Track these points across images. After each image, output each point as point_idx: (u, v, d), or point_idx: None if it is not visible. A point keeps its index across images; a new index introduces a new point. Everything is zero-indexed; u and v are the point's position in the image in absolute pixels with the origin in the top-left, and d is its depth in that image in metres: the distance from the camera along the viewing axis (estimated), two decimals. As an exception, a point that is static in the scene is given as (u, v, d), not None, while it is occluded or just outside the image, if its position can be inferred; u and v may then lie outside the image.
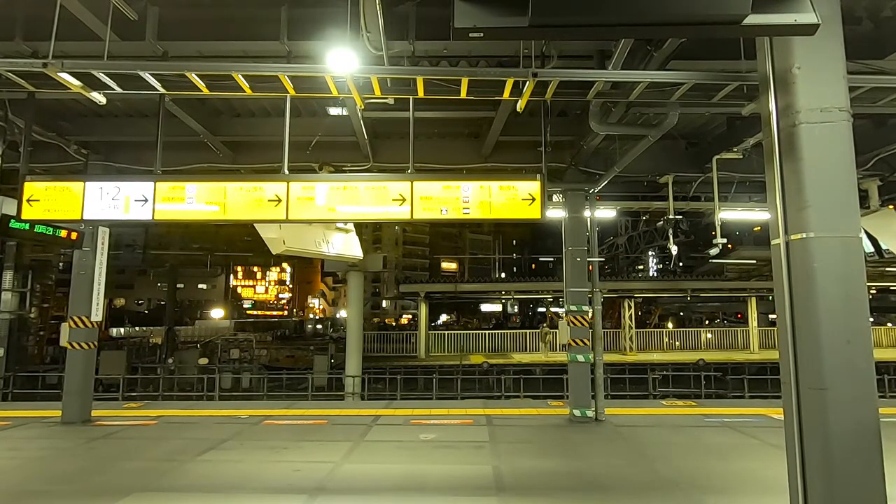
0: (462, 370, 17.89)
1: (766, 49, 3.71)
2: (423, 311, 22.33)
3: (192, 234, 36.38)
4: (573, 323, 9.08)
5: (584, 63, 6.26)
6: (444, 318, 42.78)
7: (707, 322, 32.28)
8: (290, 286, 65.03)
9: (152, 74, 4.90)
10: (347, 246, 9.54)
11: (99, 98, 5.28)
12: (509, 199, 5.31)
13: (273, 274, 63.68)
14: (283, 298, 64.46)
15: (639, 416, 9.18)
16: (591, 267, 9.24)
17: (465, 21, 2.89)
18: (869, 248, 9.08)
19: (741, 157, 8.10)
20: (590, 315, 9.13)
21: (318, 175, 7.70)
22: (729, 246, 22.55)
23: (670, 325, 29.56)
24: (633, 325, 23.27)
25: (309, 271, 62.39)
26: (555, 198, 9.62)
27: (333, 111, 8.33)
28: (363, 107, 6.29)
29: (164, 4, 5.76)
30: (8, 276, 16.51)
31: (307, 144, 8.11)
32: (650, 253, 36.16)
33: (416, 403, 11.49)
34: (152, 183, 5.40)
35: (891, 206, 9.71)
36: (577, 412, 8.80)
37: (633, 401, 13.08)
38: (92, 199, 5.39)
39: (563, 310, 13.11)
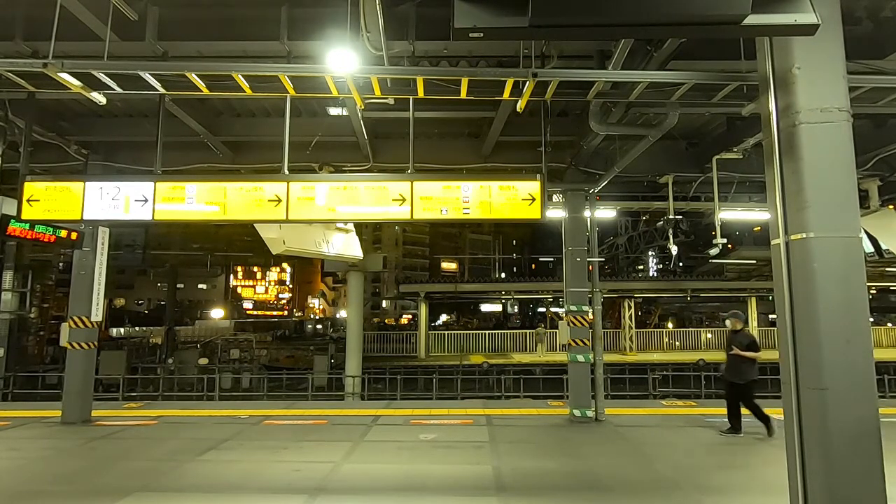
0: (462, 370, 17.89)
1: (766, 49, 3.71)
2: (423, 311, 22.34)
3: (192, 234, 36.38)
4: (573, 323, 9.07)
5: (584, 63, 6.26)
6: (444, 318, 42.79)
7: (707, 322, 32.28)
8: (290, 286, 65.03)
9: (152, 74, 4.90)
10: (347, 246, 9.55)
11: (99, 98, 5.28)
12: (509, 199, 5.31)
13: (273, 274, 63.68)
14: (283, 298, 64.45)
15: (639, 416, 9.17)
16: (591, 267, 9.23)
17: (465, 21, 2.90)
18: (869, 248, 9.08)
19: (741, 157, 8.10)
20: (590, 315, 9.13)
21: (318, 175, 7.71)
22: (729, 246, 22.56)
23: (670, 325, 29.56)
24: (633, 325, 23.28)
25: (309, 271, 62.39)
26: (555, 198, 9.62)
27: (333, 111, 8.33)
28: (363, 107, 6.29)
29: (164, 4, 5.76)
30: (8, 276, 16.50)
31: (307, 144, 8.11)
32: (650, 253, 36.20)
33: (416, 403, 11.49)
34: (152, 183, 5.40)
35: (891, 206, 9.71)
36: (577, 412, 8.80)
37: (633, 401, 13.07)
38: (92, 200, 5.40)
39: (563, 310, 13.11)
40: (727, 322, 8.00)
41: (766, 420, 7.38)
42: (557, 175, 9.44)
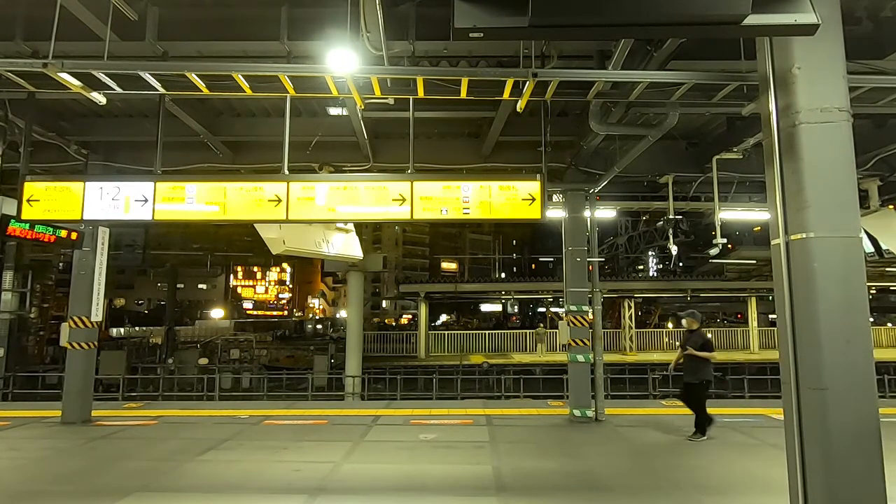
0: (462, 370, 17.89)
1: (766, 49, 3.71)
2: (423, 311, 22.34)
3: (192, 234, 36.35)
4: (573, 323, 9.07)
5: (584, 63, 6.26)
6: (444, 318, 42.79)
7: (707, 322, 32.26)
8: (290, 286, 65.03)
9: (152, 74, 4.90)
10: (347, 246, 9.54)
11: (99, 98, 5.28)
12: (509, 199, 5.31)
13: (273, 274, 63.68)
14: (283, 298, 64.45)
15: (639, 416, 9.17)
16: (591, 267, 9.23)
17: (465, 21, 2.90)
18: (869, 248, 9.07)
19: (741, 157, 8.10)
20: (590, 315, 9.12)
21: (318, 175, 7.71)
22: (729, 246, 22.57)
23: (670, 325, 29.54)
24: (633, 325, 23.26)
25: (309, 271, 62.40)
26: (555, 198, 9.62)
27: (333, 111, 8.33)
28: (363, 107, 6.29)
29: (164, 4, 5.76)
30: (8, 276, 16.50)
31: (307, 144, 8.11)
32: (650, 253, 36.19)
33: (416, 403, 11.49)
34: (152, 183, 5.40)
35: (891, 206, 9.70)
36: (577, 412, 8.80)
37: (633, 401, 13.07)
38: (92, 200, 5.40)
39: (563, 310, 13.11)
40: (683, 321, 7.88)
41: (702, 428, 7.28)
42: (557, 175, 9.44)
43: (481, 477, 5.93)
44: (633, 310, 23.26)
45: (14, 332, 17.75)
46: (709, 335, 7.90)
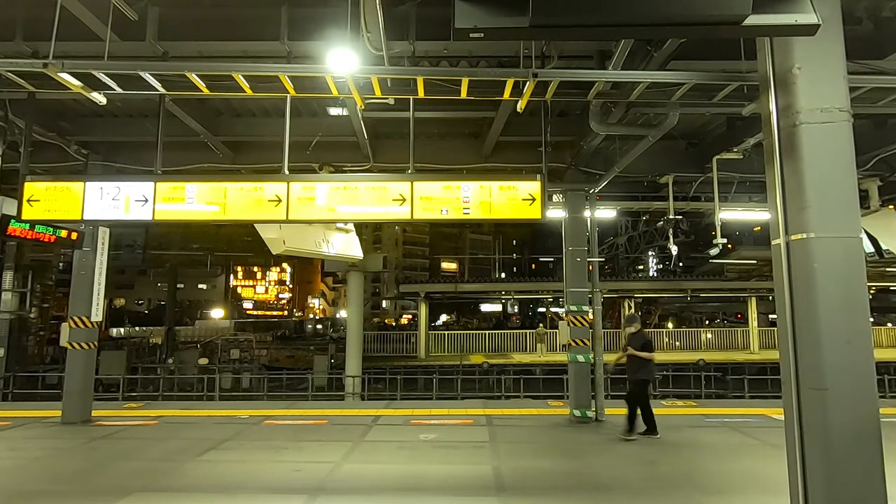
0: (462, 370, 17.89)
1: (767, 49, 3.71)
2: (423, 311, 22.34)
3: (192, 234, 36.30)
4: (573, 323, 9.07)
5: (584, 63, 6.26)
6: (444, 318, 42.77)
7: (707, 322, 32.28)
8: (290, 286, 65.03)
9: (152, 74, 4.90)
10: (347, 246, 9.55)
11: (99, 98, 5.28)
12: (509, 199, 5.31)
13: (273, 274, 63.69)
14: (283, 298, 64.46)
15: (639, 416, 9.15)
16: (591, 267, 9.23)
17: (465, 21, 2.90)
18: (869, 248, 9.08)
19: (741, 157, 8.11)
20: (590, 315, 9.13)
21: (318, 175, 7.70)
22: (729, 246, 22.57)
23: (670, 325, 29.55)
24: (633, 325, 23.23)
25: (309, 271, 62.40)
26: (555, 198, 9.61)
27: (333, 111, 8.33)
28: (363, 107, 6.29)
29: (164, 4, 5.76)
30: (8, 276, 16.50)
31: (307, 144, 8.11)
32: (650, 253, 36.22)
33: (417, 403, 11.49)
34: (152, 183, 5.41)
35: (891, 206, 9.70)
36: (577, 412, 8.80)
37: (633, 401, 13.05)
38: (92, 200, 5.40)
39: (563, 310, 13.11)
40: (630, 328, 8.13)
41: (632, 427, 7.51)
42: (557, 175, 9.44)
43: (481, 477, 5.94)
44: (633, 310, 23.25)
45: (14, 332, 17.73)
46: (650, 336, 8.33)
